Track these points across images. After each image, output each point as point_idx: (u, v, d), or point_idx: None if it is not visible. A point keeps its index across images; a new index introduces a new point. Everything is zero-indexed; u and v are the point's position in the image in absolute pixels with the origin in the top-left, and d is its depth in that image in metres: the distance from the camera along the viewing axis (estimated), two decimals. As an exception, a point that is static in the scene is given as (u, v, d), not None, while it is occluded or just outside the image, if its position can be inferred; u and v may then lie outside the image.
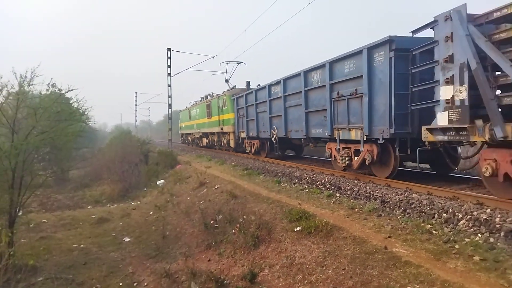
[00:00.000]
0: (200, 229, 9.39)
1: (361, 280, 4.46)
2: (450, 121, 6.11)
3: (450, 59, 6.04)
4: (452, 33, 5.97)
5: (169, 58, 25.98)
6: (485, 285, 3.62)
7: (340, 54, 9.25)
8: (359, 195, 7.50)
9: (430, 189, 6.83)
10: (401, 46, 7.35)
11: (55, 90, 10.92)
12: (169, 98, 26.95)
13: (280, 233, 6.80)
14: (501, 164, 5.54)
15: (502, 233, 4.54)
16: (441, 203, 5.90)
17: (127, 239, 11.42)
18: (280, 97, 12.87)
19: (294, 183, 9.83)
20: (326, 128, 10.03)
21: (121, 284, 8.12)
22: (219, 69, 23.78)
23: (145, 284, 7.83)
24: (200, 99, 27.79)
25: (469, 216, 5.19)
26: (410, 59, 7.39)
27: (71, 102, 12.23)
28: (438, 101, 6.38)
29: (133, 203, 17.06)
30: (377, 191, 7.33)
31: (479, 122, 5.67)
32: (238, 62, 23.55)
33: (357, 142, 8.90)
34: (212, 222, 9.12)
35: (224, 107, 20.57)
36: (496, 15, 5.53)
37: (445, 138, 6.36)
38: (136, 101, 56.65)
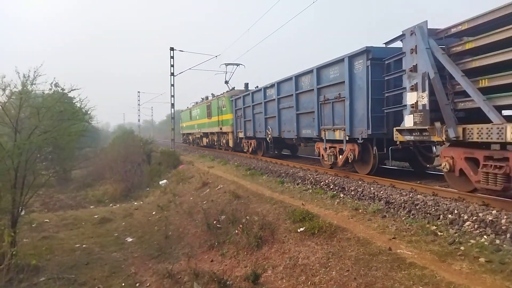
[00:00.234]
0: (203, 230, 9.40)
1: (365, 282, 4.46)
2: (415, 123, 6.99)
3: (414, 69, 6.90)
4: (416, 46, 6.81)
5: (172, 57, 26.06)
6: (491, 287, 3.61)
7: (326, 60, 10.10)
8: (363, 196, 7.49)
9: (436, 190, 6.82)
10: (377, 56, 8.24)
11: (58, 89, 10.97)
12: (172, 98, 27.05)
13: (283, 233, 6.81)
14: (456, 161, 6.42)
15: (508, 235, 4.53)
16: (447, 204, 5.89)
17: (129, 239, 11.46)
18: (274, 99, 13.77)
19: (298, 184, 9.83)
20: (314, 129, 10.94)
21: (123, 284, 8.16)
22: (220, 70, 24.16)
23: (148, 284, 7.86)
24: (201, 99, 28.24)
25: (474, 218, 5.17)
26: (385, 67, 8.16)
27: (74, 101, 12.29)
28: (405, 105, 7.25)
29: (135, 203, 17.11)
30: (381, 192, 7.32)
31: (437, 124, 6.51)
32: (237, 64, 24.29)
33: (341, 142, 9.72)
34: (215, 222, 9.13)
35: (223, 108, 21.29)
36: (453, 30, 6.43)
37: (412, 138, 7.27)
38: (139, 100, 56.88)
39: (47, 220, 13.61)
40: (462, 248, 4.50)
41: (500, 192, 5.58)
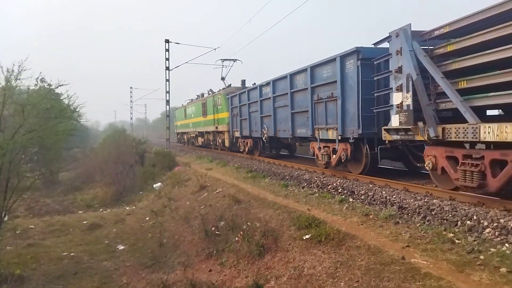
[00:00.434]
0: (200, 237, 9.42)
1: (376, 294, 4.45)
2: (400, 123, 7.65)
3: (399, 70, 7.54)
4: (401, 47, 7.44)
5: (167, 50, 26.12)
6: (513, 300, 3.61)
7: (320, 59, 10.74)
8: (374, 201, 7.49)
9: (453, 194, 6.82)
10: (367, 56, 8.89)
11: (44, 85, 11.02)
12: (167, 94, 27.08)
13: (287, 241, 6.81)
14: (439, 160, 7.05)
15: (532, 243, 4.52)
16: (465, 210, 5.88)
17: (121, 247, 11.49)
18: (270, 97, 14.32)
19: (303, 187, 9.84)
20: (308, 128, 11.53)
21: (114, 295, 8.18)
22: (217, 65, 24.43)
23: (141, 296, 7.89)
24: (196, 97, 28.37)
25: (495, 224, 5.16)
26: (376, 68, 8.75)
27: (61, 98, 12.36)
28: (392, 105, 7.92)
29: (127, 208, 17.17)
30: (394, 196, 7.32)
31: (420, 124, 7.17)
32: (234, 60, 24.80)
33: (334, 141, 10.30)
34: (213, 229, 9.15)
35: (219, 106, 21.67)
36: (436, 33, 7.09)
37: (398, 137, 7.97)
38: (131, 97, 57.03)
39: (33, 226, 13.66)
40: (481, 257, 4.49)
41: (476, 189, 6.20)
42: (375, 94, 8.65)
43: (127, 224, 14.03)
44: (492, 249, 4.63)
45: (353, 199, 7.94)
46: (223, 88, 22.49)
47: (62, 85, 11.16)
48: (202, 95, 26.84)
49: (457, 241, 5.06)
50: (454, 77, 6.68)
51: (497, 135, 5.74)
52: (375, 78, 8.64)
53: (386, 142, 8.49)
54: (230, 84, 23.13)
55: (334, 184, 9.24)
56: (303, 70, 11.64)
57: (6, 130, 9.82)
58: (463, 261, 4.47)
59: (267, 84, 14.61)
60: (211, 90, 24.89)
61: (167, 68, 26.39)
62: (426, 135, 7.04)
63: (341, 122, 9.72)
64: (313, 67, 11.06)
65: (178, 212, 12.08)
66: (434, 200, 6.69)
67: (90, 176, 24.26)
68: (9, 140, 9.26)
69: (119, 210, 17.08)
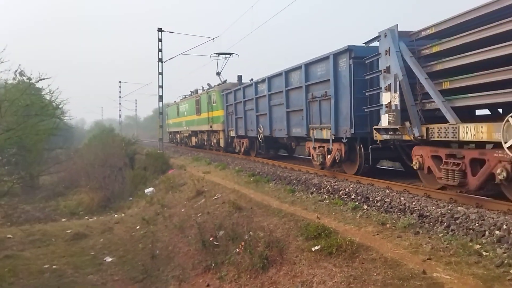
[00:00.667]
0: (197, 248, 9.43)
1: (393, 312, 4.44)
2: (389, 122, 8.34)
3: (388, 70, 8.23)
4: (389, 48, 8.10)
5: (160, 40, 26.04)
6: (548, 320, 3.58)
7: (314, 57, 11.38)
8: (391, 208, 7.47)
9: (480, 200, 6.79)
10: (359, 55, 9.54)
11: (23, 79, 11.05)
12: (160, 89, 26.91)
13: (294, 253, 6.81)
14: (425, 159, 7.90)
15: None
16: (493, 218, 5.85)
17: (108, 259, 11.52)
18: (265, 95, 14.88)
19: (312, 193, 9.84)
20: (303, 127, 12.17)
21: (101, 313, 8.20)
22: (212, 59, 24.47)
23: (131, 313, 7.90)
24: (190, 93, 28.41)
25: (528, 234, 5.13)
26: (368, 66, 9.37)
27: (42, 93, 12.40)
28: (381, 105, 8.63)
29: (116, 216, 17.20)
30: (413, 203, 7.30)
31: (407, 124, 7.91)
32: (231, 54, 25.00)
33: (329, 141, 10.92)
34: (211, 239, 9.16)
35: (213, 103, 22.01)
36: (423, 33, 7.88)
37: (388, 137, 8.71)
38: (120, 92, 57.12)
39: (10, 236, 13.71)
40: (512, 271, 4.47)
41: (457, 187, 6.99)
42: (367, 93, 9.27)
43: (115, 233, 14.06)
44: (525, 263, 4.61)
45: (367, 206, 7.93)
46: (218, 84, 22.72)
47: (43, 79, 11.18)
48: (196, 91, 26.95)
49: (484, 253, 5.04)
50: (439, 77, 7.43)
51: (474, 135, 6.48)
52: (366, 77, 9.26)
53: (378, 142, 9.19)
54: (226, 80, 23.37)
55: (347, 189, 9.23)
56: (298, 68, 12.23)
57: (-19, 129, 9.86)
58: (491, 276, 4.45)
59: (263, 81, 15.11)
60: (208, 84, 24.89)
61: (160, 60, 26.34)
62: (412, 134, 7.79)
63: (334, 121, 10.37)
64: (308, 65, 11.66)
65: (172, 220, 12.09)
66: (459, 207, 6.68)
67: (74, 181, 24.34)
68: (-15, 140, 9.30)
69: (107, 218, 17.13)
